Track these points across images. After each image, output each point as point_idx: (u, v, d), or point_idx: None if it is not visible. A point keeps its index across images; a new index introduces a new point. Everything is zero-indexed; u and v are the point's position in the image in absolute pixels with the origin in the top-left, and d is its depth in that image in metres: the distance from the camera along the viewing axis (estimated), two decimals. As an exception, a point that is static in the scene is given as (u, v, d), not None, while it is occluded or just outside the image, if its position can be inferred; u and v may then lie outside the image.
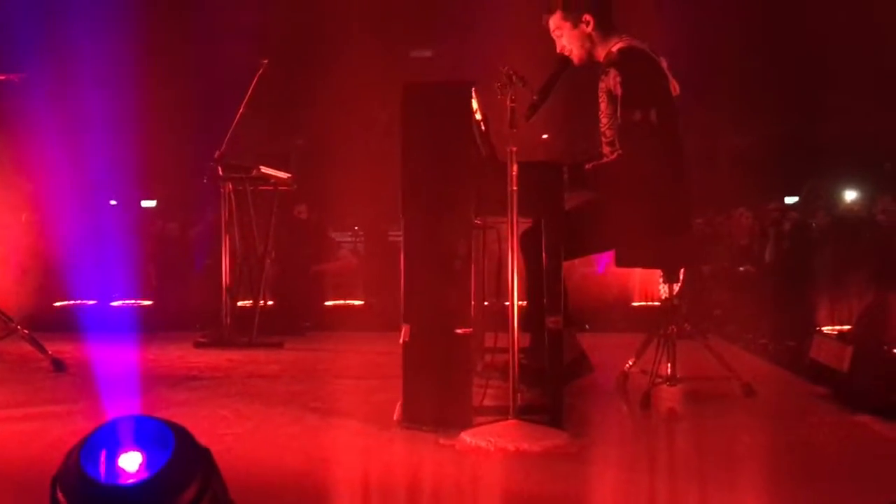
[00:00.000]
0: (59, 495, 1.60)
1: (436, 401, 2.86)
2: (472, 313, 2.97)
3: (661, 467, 2.60)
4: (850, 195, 10.73)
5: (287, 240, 6.91)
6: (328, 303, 7.14)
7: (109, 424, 1.67)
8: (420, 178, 2.91)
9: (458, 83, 3.00)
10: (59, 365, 4.15)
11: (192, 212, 8.38)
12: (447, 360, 2.87)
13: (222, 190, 5.47)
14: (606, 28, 3.57)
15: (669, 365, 3.43)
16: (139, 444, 1.65)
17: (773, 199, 8.41)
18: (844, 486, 2.39)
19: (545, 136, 7.30)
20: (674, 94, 3.59)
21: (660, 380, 3.41)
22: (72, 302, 6.52)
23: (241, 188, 5.47)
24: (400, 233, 2.96)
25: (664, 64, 3.59)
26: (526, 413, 2.77)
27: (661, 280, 3.61)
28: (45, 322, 5.27)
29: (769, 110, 10.59)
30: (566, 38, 3.59)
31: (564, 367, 3.08)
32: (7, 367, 4.28)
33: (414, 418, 2.86)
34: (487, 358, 3.92)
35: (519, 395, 2.77)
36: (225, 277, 5.49)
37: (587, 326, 5.60)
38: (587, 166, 3.48)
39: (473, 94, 3.01)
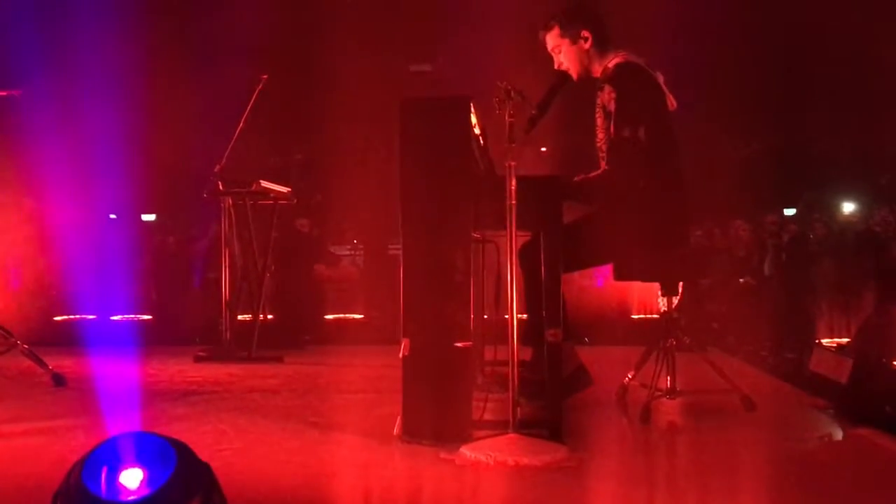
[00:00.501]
0: (61, 512, 1.60)
1: (435, 415, 2.85)
2: (472, 327, 2.97)
3: (661, 481, 2.60)
4: (848, 207, 10.76)
5: (288, 253, 6.91)
6: (328, 316, 7.15)
7: (111, 441, 1.67)
8: (419, 191, 2.91)
9: (457, 98, 3.00)
10: (59, 380, 4.15)
11: (192, 226, 8.39)
12: (447, 374, 2.87)
13: (222, 204, 5.48)
14: (604, 44, 3.59)
15: (669, 378, 3.43)
16: (140, 461, 1.66)
17: (772, 212, 8.42)
18: (845, 499, 2.40)
19: (544, 150, 7.34)
20: (670, 108, 3.61)
21: (659, 393, 3.41)
22: (72, 316, 6.53)
23: (240, 202, 5.48)
24: (399, 246, 2.96)
25: (661, 79, 3.61)
26: (525, 426, 2.77)
27: (660, 293, 3.61)
28: (46, 337, 5.28)
29: (767, 123, 10.63)
30: (564, 54, 3.61)
31: (564, 380, 3.08)
32: (7, 382, 4.28)
33: (414, 432, 2.86)
34: (487, 371, 3.93)
35: (519, 408, 2.77)
36: (225, 292, 5.49)
37: (586, 339, 5.60)
38: (576, 178, 3.50)
39: (472, 109, 3.02)
